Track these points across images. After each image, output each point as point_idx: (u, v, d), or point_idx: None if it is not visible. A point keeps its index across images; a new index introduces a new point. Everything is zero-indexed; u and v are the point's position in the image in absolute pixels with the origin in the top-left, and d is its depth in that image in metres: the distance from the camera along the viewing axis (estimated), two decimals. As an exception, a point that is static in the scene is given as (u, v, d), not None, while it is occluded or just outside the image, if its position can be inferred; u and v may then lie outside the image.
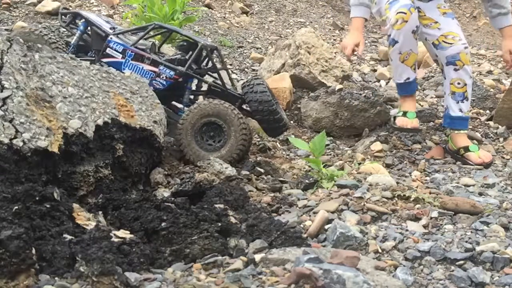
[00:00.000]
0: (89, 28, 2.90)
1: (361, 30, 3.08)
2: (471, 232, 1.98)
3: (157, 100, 2.55)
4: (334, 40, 5.58)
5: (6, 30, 3.78)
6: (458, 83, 3.04)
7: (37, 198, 1.70)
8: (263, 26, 5.65)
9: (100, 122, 2.17)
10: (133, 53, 2.71)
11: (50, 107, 2.04)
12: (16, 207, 1.59)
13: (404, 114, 3.08)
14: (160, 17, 3.85)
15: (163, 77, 2.69)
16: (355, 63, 4.91)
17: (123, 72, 2.67)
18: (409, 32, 2.92)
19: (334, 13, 6.48)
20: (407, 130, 3.08)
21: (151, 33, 2.90)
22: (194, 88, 2.94)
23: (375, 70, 4.76)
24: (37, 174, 1.88)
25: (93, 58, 2.80)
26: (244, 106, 2.87)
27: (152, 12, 3.91)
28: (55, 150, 1.93)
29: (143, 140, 2.35)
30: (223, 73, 2.87)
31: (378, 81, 4.54)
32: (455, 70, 3.03)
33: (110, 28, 2.83)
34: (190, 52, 2.80)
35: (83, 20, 2.91)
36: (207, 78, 2.98)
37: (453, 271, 1.73)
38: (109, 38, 2.75)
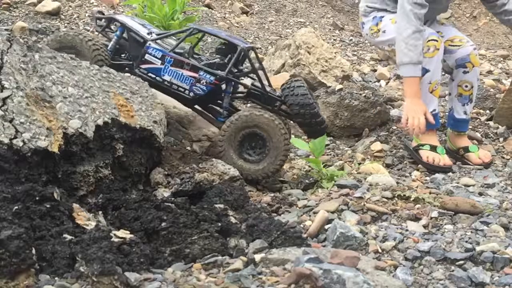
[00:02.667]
0: (125, 33, 2.86)
1: (420, 95, 2.85)
2: (471, 232, 1.98)
3: (157, 100, 2.55)
4: (334, 40, 5.58)
5: (6, 30, 3.78)
6: (466, 86, 3.05)
7: (37, 198, 1.70)
8: (263, 26, 5.65)
9: (100, 122, 2.17)
10: (173, 59, 2.65)
11: (50, 107, 2.04)
12: (16, 207, 1.59)
13: (433, 148, 2.87)
14: (160, 17, 3.85)
15: (203, 83, 2.63)
16: (355, 63, 4.91)
17: (162, 79, 2.66)
18: (439, 60, 2.88)
19: (334, 13, 6.48)
20: (438, 168, 2.82)
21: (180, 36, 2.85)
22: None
23: (375, 70, 4.76)
24: (37, 174, 1.88)
25: (130, 62, 2.77)
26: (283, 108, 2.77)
27: (152, 12, 3.91)
28: (55, 150, 1.93)
29: (143, 140, 2.35)
30: (261, 73, 2.77)
31: (378, 81, 4.54)
32: (465, 72, 3.03)
33: (148, 34, 2.78)
34: (229, 56, 2.73)
35: (119, 25, 2.87)
36: (245, 80, 2.90)
37: (453, 271, 1.73)
38: (147, 44, 2.70)
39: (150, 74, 2.68)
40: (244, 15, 5.84)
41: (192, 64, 2.64)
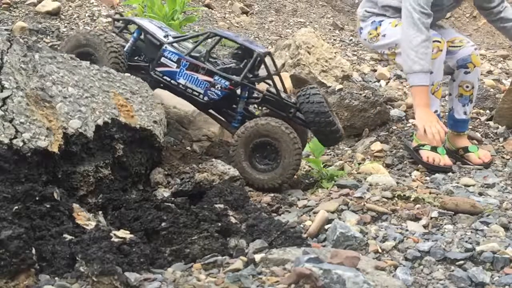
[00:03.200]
0: (143, 35, 2.85)
1: (429, 105, 2.84)
2: (471, 232, 1.98)
3: (157, 100, 2.55)
4: (334, 40, 5.58)
5: (6, 30, 3.78)
6: (467, 86, 3.05)
7: (37, 198, 1.70)
8: (263, 26, 5.65)
9: (100, 122, 2.17)
10: (188, 63, 2.64)
11: (50, 107, 2.04)
12: (16, 207, 1.59)
13: (434, 149, 2.85)
14: (160, 17, 3.85)
15: (218, 87, 2.61)
16: (355, 63, 4.91)
17: (177, 82, 2.65)
18: (442, 61, 2.89)
19: (334, 13, 6.48)
20: (439, 168, 2.81)
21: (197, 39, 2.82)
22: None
23: (375, 70, 4.76)
24: (37, 174, 1.88)
25: (147, 64, 2.76)
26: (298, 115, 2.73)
27: (152, 12, 3.91)
28: (55, 150, 1.93)
29: (143, 140, 2.35)
30: (276, 79, 2.74)
31: (378, 81, 4.54)
32: (466, 73, 3.03)
33: (164, 36, 2.77)
34: (245, 61, 2.71)
35: (137, 27, 2.85)
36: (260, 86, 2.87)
37: (453, 271, 1.73)
38: (163, 47, 2.68)
39: (165, 77, 2.67)
40: (244, 15, 5.84)
41: (207, 68, 2.63)
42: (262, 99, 2.69)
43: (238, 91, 2.69)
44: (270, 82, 2.70)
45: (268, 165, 2.51)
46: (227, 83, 2.61)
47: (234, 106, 2.72)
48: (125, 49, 2.77)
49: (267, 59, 2.72)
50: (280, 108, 2.66)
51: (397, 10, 3.03)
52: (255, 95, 2.78)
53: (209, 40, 3.00)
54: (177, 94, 2.74)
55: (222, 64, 2.77)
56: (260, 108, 2.78)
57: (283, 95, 2.69)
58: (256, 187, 2.48)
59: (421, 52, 2.78)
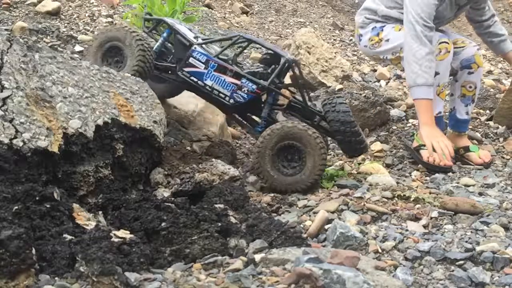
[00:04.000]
0: (172, 35, 2.84)
1: (434, 121, 2.86)
2: (471, 232, 1.98)
3: (157, 100, 2.55)
4: (334, 40, 5.58)
5: (6, 30, 3.78)
6: (470, 87, 3.06)
7: (37, 198, 1.70)
8: (263, 26, 5.65)
9: (100, 122, 2.17)
10: (216, 64, 2.64)
11: (50, 107, 2.04)
12: (16, 207, 1.59)
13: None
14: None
15: (244, 90, 2.61)
16: (355, 63, 4.91)
17: (204, 83, 2.64)
18: (449, 63, 2.90)
19: (334, 13, 6.48)
20: (439, 168, 2.80)
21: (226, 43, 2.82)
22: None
23: (375, 70, 4.76)
24: (37, 174, 1.88)
25: (173, 65, 2.75)
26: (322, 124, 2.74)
27: (152, 12, 3.91)
28: (55, 150, 1.93)
29: (143, 140, 2.35)
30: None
31: (378, 81, 4.55)
32: (469, 73, 3.04)
33: (194, 38, 2.76)
34: (272, 66, 2.71)
35: (167, 27, 2.85)
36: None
37: (453, 271, 1.73)
38: (193, 48, 2.68)
39: (192, 78, 2.66)
40: (244, 15, 5.84)
41: (235, 71, 2.63)
42: (287, 105, 2.69)
43: (265, 97, 2.68)
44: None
45: (293, 169, 2.48)
46: (254, 86, 2.60)
47: (259, 111, 2.71)
48: (154, 48, 2.77)
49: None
50: (305, 116, 2.66)
51: (398, 20, 3.04)
52: (279, 102, 2.78)
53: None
54: (203, 96, 2.73)
55: (248, 69, 2.77)
56: (284, 115, 2.76)
57: (308, 103, 2.70)
58: (279, 190, 2.44)
59: (425, 65, 2.78)
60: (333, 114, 2.58)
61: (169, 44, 2.88)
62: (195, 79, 2.66)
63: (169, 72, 2.76)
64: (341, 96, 2.68)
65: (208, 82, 2.64)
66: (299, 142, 2.44)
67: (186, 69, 2.67)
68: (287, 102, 2.72)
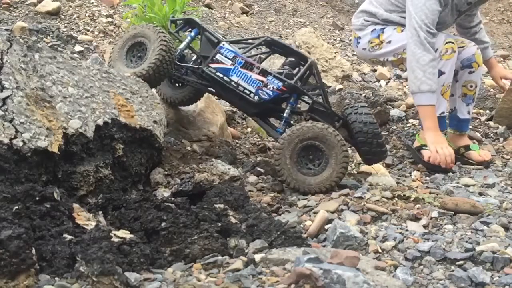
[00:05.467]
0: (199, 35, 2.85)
1: (438, 127, 2.88)
2: (471, 232, 1.98)
3: (157, 100, 2.55)
4: (334, 40, 5.58)
5: (6, 30, 3.78)
6: (471, 86, 3.07)
7: (37, 198, 1.70)
8: (263, 26, 5.65)
9: (100, 122, 2.17)
10: (243, 61, 2.63)
11: (50, 107, 2.04)
12: (16, 207, 1.59)
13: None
14: (160, 17, 3.84)
15: (270, 88, 2.60)
16: (355, 63, 4.91)
17: (230, 79, 2.64)
18: (455, 62, 2.90)
19: (334, 13, 6.48)
20: (439, 168, 2.82)
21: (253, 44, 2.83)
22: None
23: (375, 70, 4.76)
24: (37, 174, 1.88)
25: (197, 67, 2.75)
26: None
27: (152, 12, 3.90)
28: (55, 150, 1.93)
29: (143, 140, 2.35)
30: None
31: (378, 81, 4.54)
32: (470, 73, 3.05)
33: (223, 36, 2.79)
34: (297, 69, 2.71)
35: (195, 27, 2.86)
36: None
37: (453, 271, 1.73)
38: (221, 44, 2.69)
39: (218, 73, 2.65)
40: (244, 15, 5.84)
41: (262, 68, 2.63)
42: (310, 107, 2.67)
43: (287, 97, 2.68)
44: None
45: (315, 169, 2.46)
46: (280, 84, 2.59)
47: (279, 113, 2.71)
48: (180, 46, 2.79)
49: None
50: (326, 119, 2.63)
51: (399, 24, 3.04)
52: (299, 105, 2.78)
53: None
54: (226, 96, 2.74)
55: (275, 70, 2.78)
56: (305, 117, 2.76)
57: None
58: (301, 191, 2.43)
59: (429, 72, 2.79)
60: (355, 116, 2.61)
61: (189, 50, 2.89)
62: (220, 75, 2.65)
63: (188, 71, 2.76)
64: (362, 101, 2.72)
65: (234, 78, 2.64)
66: (319, 142, 2.44)
67: (213, 65, 2.67)
68: (307, 106, 2.72)
